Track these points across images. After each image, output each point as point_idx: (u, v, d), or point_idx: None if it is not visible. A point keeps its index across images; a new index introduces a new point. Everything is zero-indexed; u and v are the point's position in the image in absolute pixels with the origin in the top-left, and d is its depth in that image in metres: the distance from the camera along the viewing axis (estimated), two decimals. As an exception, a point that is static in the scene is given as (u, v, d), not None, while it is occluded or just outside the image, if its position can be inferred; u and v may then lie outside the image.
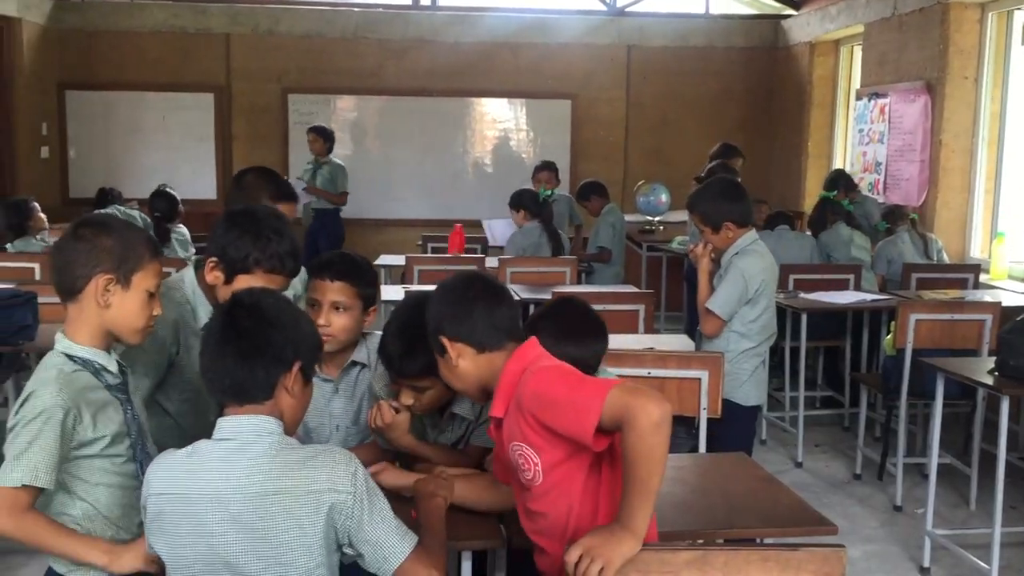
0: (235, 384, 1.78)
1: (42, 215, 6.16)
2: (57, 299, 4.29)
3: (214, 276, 2.30)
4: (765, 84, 9.43)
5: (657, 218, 8.11)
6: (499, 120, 9.39)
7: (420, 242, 7.52)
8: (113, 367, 2.00)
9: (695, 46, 9.33)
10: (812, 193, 8.06)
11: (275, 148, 9.22)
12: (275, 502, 1.71)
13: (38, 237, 6.03)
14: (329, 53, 9.15)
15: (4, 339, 3.84)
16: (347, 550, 1.79)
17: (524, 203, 6.24)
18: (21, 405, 1.87)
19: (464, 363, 1.98)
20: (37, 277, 5.32)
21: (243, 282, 2.25)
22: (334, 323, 2.45)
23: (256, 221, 2.29)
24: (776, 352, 5.37)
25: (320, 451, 1.79)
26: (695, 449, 3.34)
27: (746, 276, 3.58)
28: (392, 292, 5.58)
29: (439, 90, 9.18)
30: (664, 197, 7.98)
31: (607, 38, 9.30)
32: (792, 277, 5.52)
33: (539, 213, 6.23)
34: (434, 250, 7.15)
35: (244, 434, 1.76)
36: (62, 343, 1.96)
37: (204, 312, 2.37)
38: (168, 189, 6.82)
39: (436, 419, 2.49)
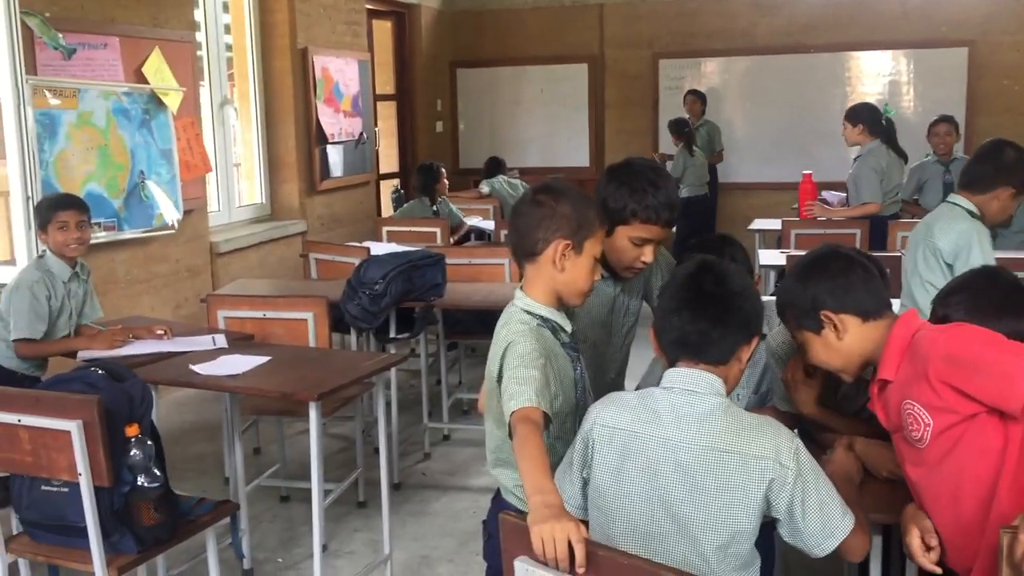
0: (701, 342, 1.81)
1: (446, 180, 6.76)
2: (458, 260, 4.75)
3: None
4: None
5: (1073, 175, 7.13)
6: (882, 74, 8.76)
7: (795, 205, 7.24)
8: (568, 326, 2.11)
9: None
10: None
11: (646, 114, 9.36)
12: (723, 459, 1.74)
13: (440, 199, 6.62)
14: (700, 15, 9.07)
15: (419, 296, 4.27)
16: (783, 529, 1.78)
17: None
18: (503, 356, 1.98)
19: (850, 336, 1.96)
20: (438, 241, 5.87)
21: (622, 233, 2.31)
22: None
23: (633, 174, 2.34)
24: None
25: (766, 421, 1.80)
26: None
27: None
28: (768, 257, 5.46)
29: (815, 45, 8.76)
30: (1082, 151, 6.99)
31: (1013, -27, 8.31)
32: None
33: None
34: (802, 217, 6.84)
35: (698, 388, 1.80)
36: (523, 300, 2.08)
37: None
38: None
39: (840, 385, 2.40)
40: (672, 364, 1.86)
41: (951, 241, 3.40)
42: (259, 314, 3.85)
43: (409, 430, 4.93)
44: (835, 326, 1.96)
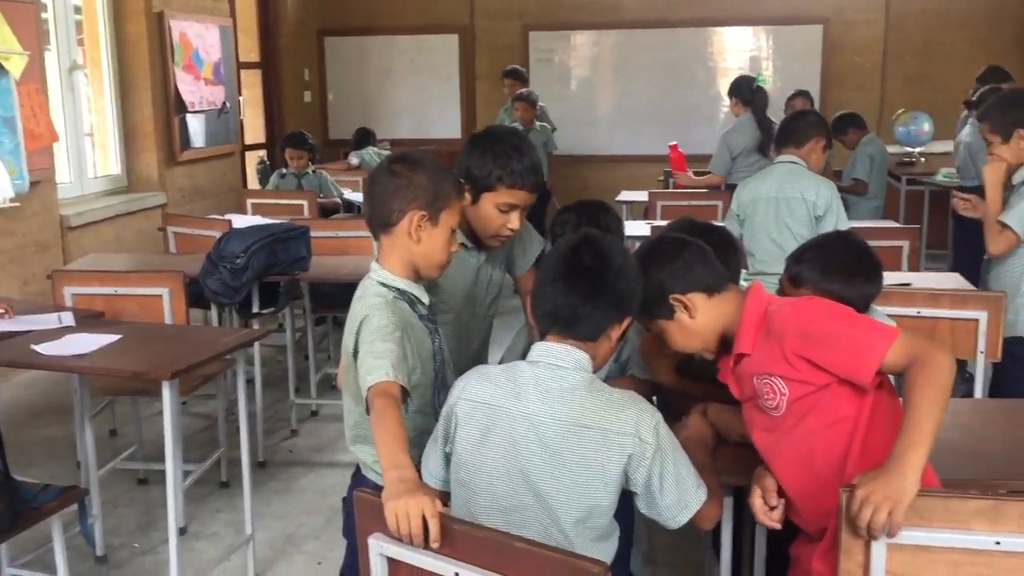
0: (571, 317, 1.80)
1: (292, 155, 6.45)
2: (324, 232, 4.65)
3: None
4: (1049, -3, 8.46)
5: (918, 149, 7.53)
6: (743, 50, 9.01)
7: (662, 177, 7.42)
8: (425, 298, 2.08)
9: (967, -43, 8.51)
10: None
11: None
12: (584, 435, 1.74)
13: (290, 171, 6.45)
14: (570, -13, 9.12)
15: (283, 269, 4.16)
16: (640, 502, 1.80)
17: None
18: (359, 330, 1.93)
19: (701, 313, 1.98)
20: (306, 213, 5.73)
21: (488, 200, 2.32)
22: None
23: (496, 140, 2.34)
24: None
25: (629, 397, 1.80)
26: (969, 394, 3.11)
27: None
28: (636, 228, 5.55)
29: (680, 20, 8.94)
30: (927, 126, 7.38)
31: (864, -45, 8.66)
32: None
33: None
34: (676, 185, 7.00)
35: (564, 363, 1.80)
36: (379, 273, 2.04)
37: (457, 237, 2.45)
38: None
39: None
40: (543, 336, 1.86)
41: (818, 193, 3.55)
42: (110, 291, 3.67)
43: (276, 407, 4.82)
44: (685, 306, 1.97)
